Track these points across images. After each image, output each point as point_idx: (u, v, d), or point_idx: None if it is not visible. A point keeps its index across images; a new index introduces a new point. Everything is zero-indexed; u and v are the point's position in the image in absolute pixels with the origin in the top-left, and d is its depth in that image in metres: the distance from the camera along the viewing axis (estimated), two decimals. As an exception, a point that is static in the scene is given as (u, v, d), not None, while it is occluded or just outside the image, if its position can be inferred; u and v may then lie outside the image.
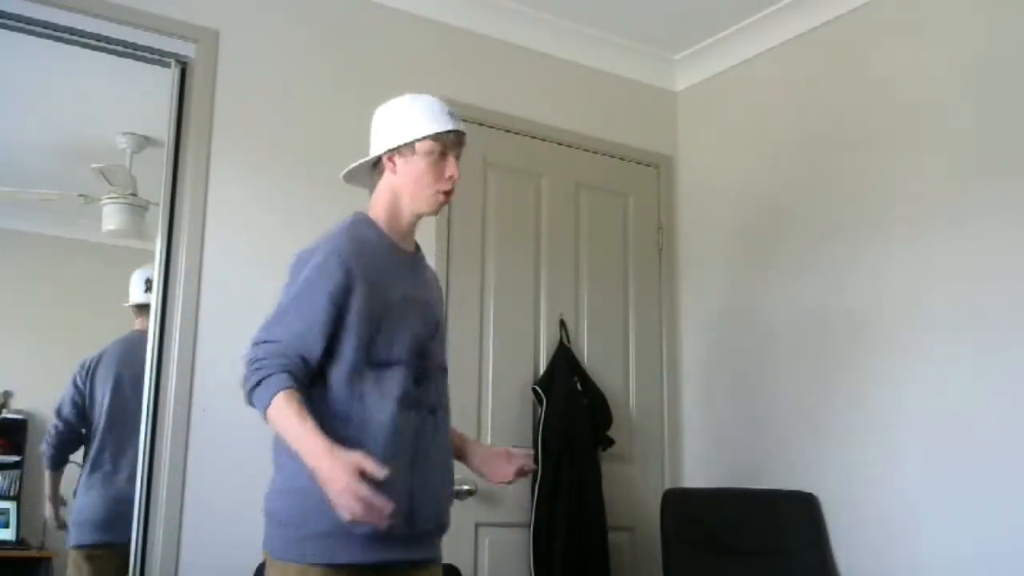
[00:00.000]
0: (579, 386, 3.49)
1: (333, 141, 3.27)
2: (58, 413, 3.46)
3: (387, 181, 2.10)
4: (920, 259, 3.04)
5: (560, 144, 3.77)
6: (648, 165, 3.99)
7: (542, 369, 3.53)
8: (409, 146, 2.05)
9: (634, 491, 3.66)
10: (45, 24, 2.88)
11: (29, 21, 2.86)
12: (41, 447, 3.56)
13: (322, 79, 3.29)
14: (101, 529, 3.20)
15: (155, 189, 3.09)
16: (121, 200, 3.77)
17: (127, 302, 3.56)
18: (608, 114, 3.91)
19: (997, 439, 2.76)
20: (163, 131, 3.07)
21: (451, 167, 2.06)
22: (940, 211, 3.01)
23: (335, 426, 1.89)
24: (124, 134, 3.78)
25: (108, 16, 2.94)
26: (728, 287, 3.73)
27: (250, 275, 3.04)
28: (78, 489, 3.40)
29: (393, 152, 2.07)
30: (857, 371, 3.18)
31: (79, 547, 3.32)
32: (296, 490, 1.91)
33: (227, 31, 3.13)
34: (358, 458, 1.75)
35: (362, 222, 2.08)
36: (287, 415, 1.81)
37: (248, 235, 3.08)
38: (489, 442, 3.37)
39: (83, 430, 3.45)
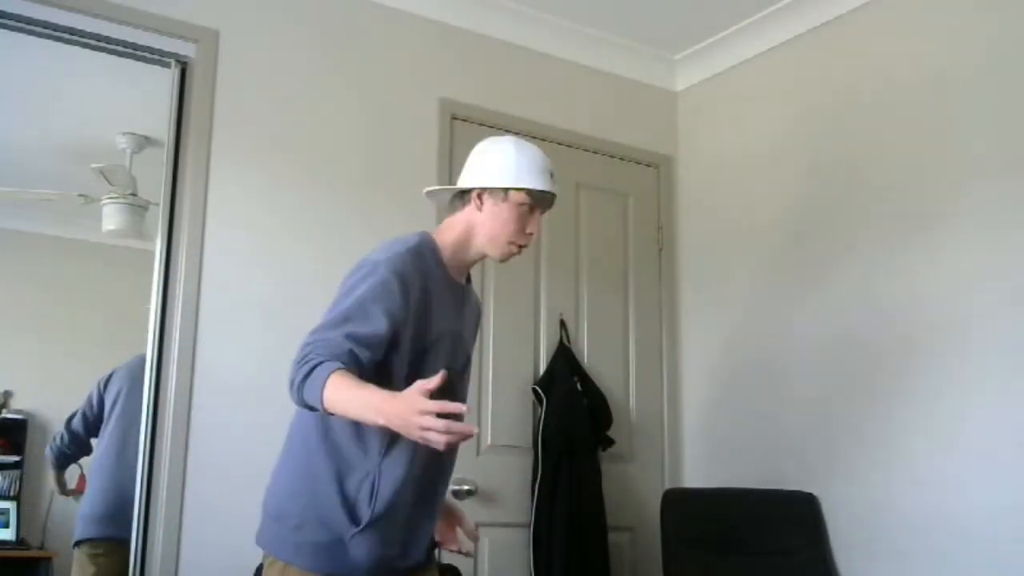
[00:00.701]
0: (579, 386, 3.49)
1: (333, 141, 3.28)
2: (69, 425, 3.49)
3: (468, 215, 2.07)
4: (919, 260, 3.04)
5: (560, 144, 3.76)
6: (648, 165, 3.99)
7: (542, 369, 3.53)
8: (503, 191, 2.04)
9: (634, 491, 3.66)
10: (45, 24, 2.88)
11: (29, 21, 2.86)
12: (46, 451, 3.58)
13: (322, 79, 3.29)
14: (105, 523, 3.19)
15: (155, 189, 3.09)
16: (121, 200, 3.76)
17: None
18: (608, 114, 3.91)
19: (998, 439, 2.76)
20: (163, 131, 3.07)
21: (533, 224, 2.07)
22: (940, 212, 3.01)
23: (350, 437, 1.89)
24: (124, 134, 3.78)
25: (108, 16, 2.94)
26: (728, 287, 3.73)
27: (250, 275, 3.04)
28: (86, 484, 3.42)
29: (485, 191, 2.05)
30: (858, 371, 3.18)
31: (84, 542, 3.30)
32: (300, 491, 1.92)
33: (227, 31, 3.13)
34: (415, 392, 1.64)
35: (425, 246, 2.02)
36: (346, 394, 1.68)
37: (248, 235, 3.08)
38: (489, 442, 3.39)
39: (90, 441, 3.47)
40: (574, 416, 3.41)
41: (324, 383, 1.69)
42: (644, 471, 3.72)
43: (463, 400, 2.10)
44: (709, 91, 3.97)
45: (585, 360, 3.63)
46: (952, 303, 2.93)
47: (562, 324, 3.62)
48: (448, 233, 2.07)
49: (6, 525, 3.93)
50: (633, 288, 3.85)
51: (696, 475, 3.73)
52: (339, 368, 1.72)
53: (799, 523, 3.17)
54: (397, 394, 1.68)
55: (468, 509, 3.23)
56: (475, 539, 2.14)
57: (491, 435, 3.39)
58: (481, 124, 3.56)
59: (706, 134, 3.95)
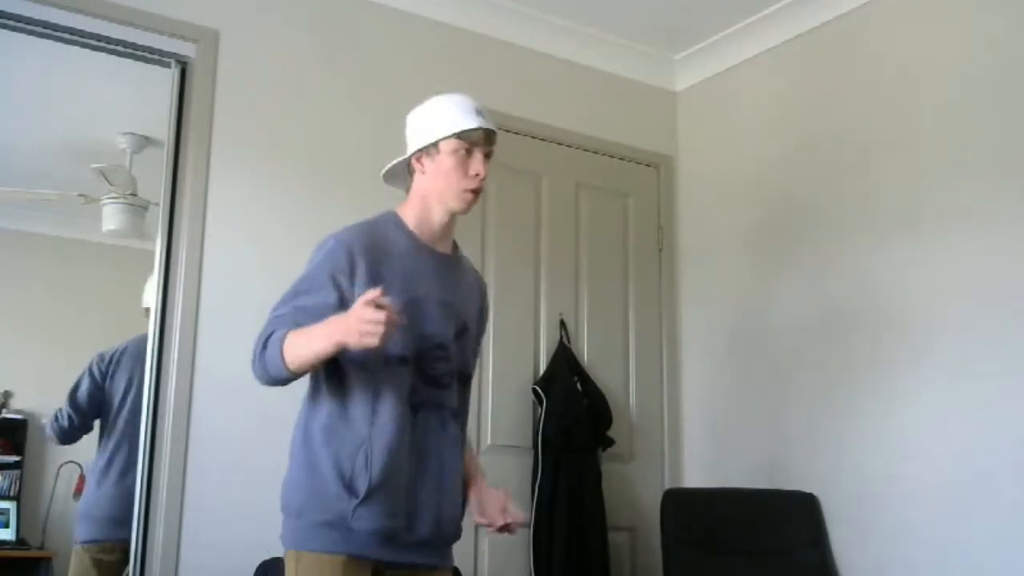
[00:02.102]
0: (579, 386, 3.49)
1: (333, 141, 3.28)
2: (71, 400, 3.43)
3: (417, 182, 2.12)
4: (920, 260, 3.04)
5: (560, 144, 3.76)
6: (648, 165, 3.99)
7: (542, 369, 3.53)
8: (434, 146, 2.05)
9: (634, 491, 3.66)
10: (45, 24, 2.88)
11: (29, 21, 2.86)
12: (48, 428, 3.52)
13: (322, 79, 3.29)
14: (113, 526, 3.17)
15: (155, 189, 3.09)
16: (121, 200, 3.77)
17: (143, 304, 3.56)
18: (608, 114, 3.91)
19: (1001, 440, 2.76)
20: (163, 131, 3.08)
21: (476, 164, 2.04)
22: (941, 212, 3.01)
23: (327, 422, 1.94)
24: (124, 134, 3.78)
25: (108, 16, 2.94)
26: (728, 287, 3.73)
27: (250, 275, 3.04)
28: (89, 484, 3.39)
29: (420, 153, 2.08)
30: (858, 372, 3.18)
31: (88, 543, 3.29)
32: (301, 481, 1.94)
33: (227, 31, 3.13)
34: (358, 306, 1.76)
35: (387, 219, 2.10)
36: (297, 337, 1.84)
37: (248, 235, 3.08)
38: (489, 442, 3.38)
39: (95, 420, 3.44)
40: (574, 416, 3.41)
41: (281, 346, 1.84)
42: (644, 471, 3.72)
43: (462, 368, 2.10)
44: (709, 91, 3.97)
45: (585, 360, 3.63)
46: (951, 301, 2.93)
47: (562, 324, 3.62)
48: (408, 205, 2.12)
49: (6, 525, 3.93)
50: (633, 288, 3.85)
51: (696, 475, 3.73)
52: (291, 330, 1.86)
53: (799, 523, 3.17)
54: (320, 326, 1.81)
55: (469, 509, 3.25)
56: (521, 520, 2.10)
57: (491, 435, 3.39)
58: (481, 124, 3.56)
59: (706, 134, 3.95)
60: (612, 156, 3.90)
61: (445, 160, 2.04)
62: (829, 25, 3.46)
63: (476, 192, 2.06)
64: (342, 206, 3.22)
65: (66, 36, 2.93)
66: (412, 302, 1.99)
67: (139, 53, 3.03)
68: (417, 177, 2.10)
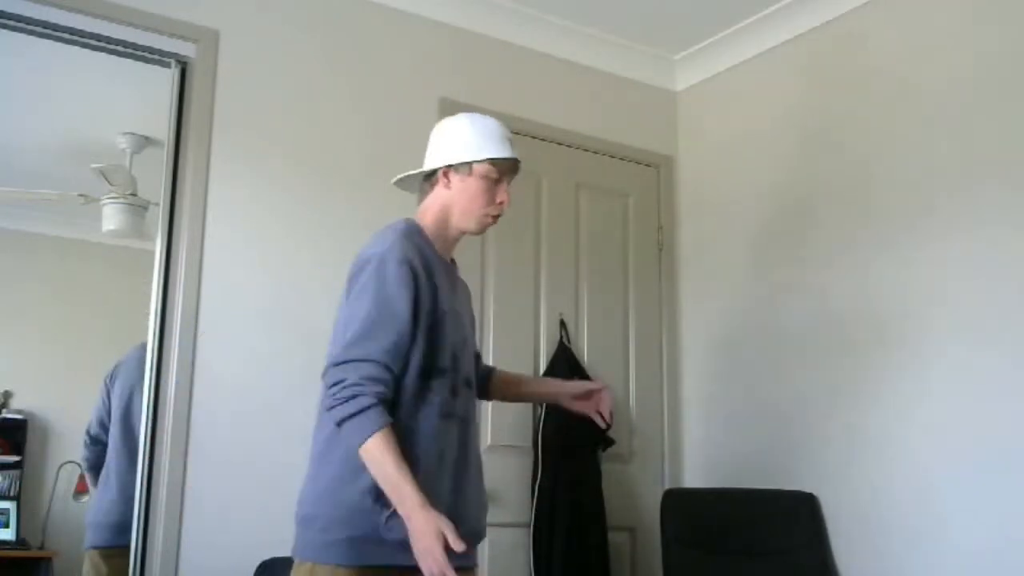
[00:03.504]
0: (579, 386, 3.49)
1: (333, 141, 3.28)
2: (88, 432, 3.47)
3: (439, 195, 2.13)
4: (920, 261, 3.04)
5: (560, 144, 3.76)
6: (648, 165, 3.99)
7: (542, 369, 3.53)
8: (467, 165, 2.08)
9: (634, 491, 3.66)
10: (45, 24, 2.88)
11: (29, 21, 2.86)
12: (80, 459, 3.57)
13: (322, 79, 3.29)
14: (118, 531, 3.15)
15: (155, 189, 3.09)
16: (121, 200, 3.77)
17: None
18: (608, 114, 3.91)
19: (999, 440, 2.76)
20: (163, 131, 3.07)
21: (503, 193, 2.10)
22: (941, 213, 3.01)
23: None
24: (124, 134, 3.78)
25: (108, 16, 2.94)
26: (728, 287, 3.73)
27: (250, 275, 3.04)
28: (95, 491, 3.39)
29: (450, 168, 2.10)
30: (858, 372, 3.18)
31: (97, 548, 3.29)
32: (329, 495, 1.93)
33: (227, 31, 3.13)
34: (445, 525, 1.79)
35: (414, 228, 2.09)
36: (384, 459, 1.82)
37: (248, 235, 3.08)
38: (489, 443, 3.38)
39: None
40: (574, 416, 3.40)
41: (365, 440, 1.83)
42: (644, 471, 3.72)
43: (470, 376, 2.12)
44: (709, 91, 3.97)
45: (585, 360, 3.62)
46: (952, 302, 2.93)
47: (562, 324, 3.62)
48: (426, 216, 2.13)
49: (6, 525, 3.93)
50: (633, 288, 3.85)
51: (696, 475, 3.73)
52: (384, 428, 1.83)
53: (799, 523, 3.17)
54: (425, 504, 1.80)
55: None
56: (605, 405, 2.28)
57: (491, 435, 3.39)
58: (481, 124, 3.56)
59: (706, 134, 3.95)
60: (612, 156, 3.90)
61: (476, 182, 2.08)
62: (829, 25, 3.46)
63: (496, 218, 2.13)
64: (342, 206, 3.24)
65: (66, 36, 2.93)
66: (451, 312, 2.04)
67: (139, 53, 3.03)
68: (440, 189, 2.12)
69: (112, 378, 3.45)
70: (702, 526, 3.15)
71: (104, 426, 3.43)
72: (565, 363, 3.51)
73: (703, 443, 3.74)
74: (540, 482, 3.32)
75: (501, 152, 2.09)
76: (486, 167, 2.08)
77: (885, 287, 3.13)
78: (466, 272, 3.40)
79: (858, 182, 3.28)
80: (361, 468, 1.88)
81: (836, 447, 3.20)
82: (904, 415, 3.01)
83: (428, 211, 2.13)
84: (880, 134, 3.24)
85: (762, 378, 3.51)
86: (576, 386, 2.41)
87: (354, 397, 1.84)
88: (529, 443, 3.42)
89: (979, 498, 2.78)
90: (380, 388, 1.86)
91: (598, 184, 3.85)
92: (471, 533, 2.00)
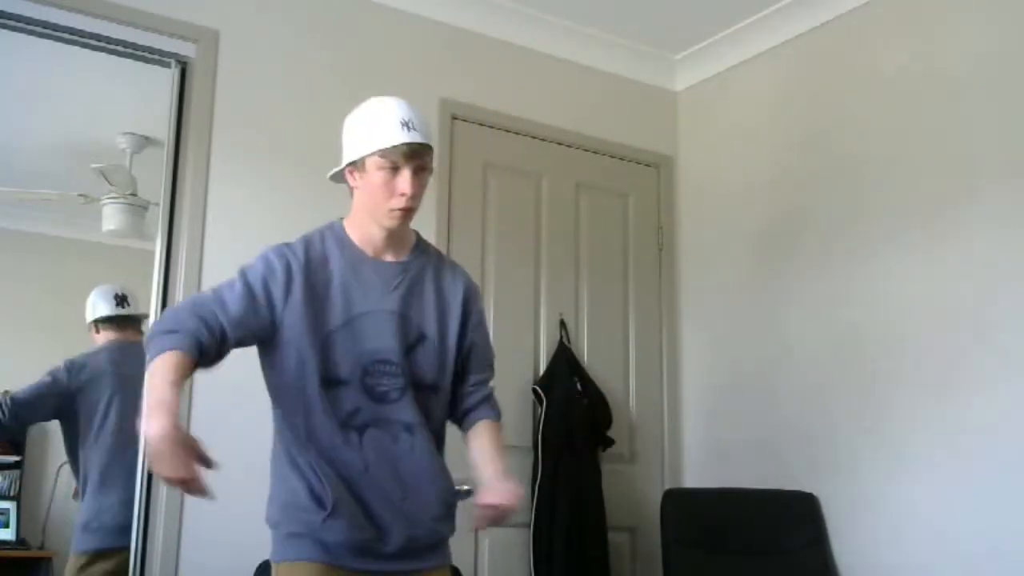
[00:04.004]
0: (579, 386, 3.49)
1: (333, 141, 3.26)
2: (15, 398, 3.36)
3: (354, 195, 2.07)
4: (920, 261, 3.04)
5: (560, 144, 3.77)
6: (648, 165, 3.99)
7: (542, 369, 3.53)
8: (361, 162, 1.98)
9: (634, 491, 3.66)
10: (45, 24, 2.88)
11: (29, 21, 2.86)
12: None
13: (322, 79, 3.29)
14: (118, 533, 3.12)
15: (155, 189, 3.09)
16: (121, 200, 3.77)
17: (91, 317, 3.53)
18: (608, 114, 3.91)
19: (1000, 440, 2.76)
20: (163, 131, 3.08)
21: (403, 183, 1.94)
22: (942, 213, 3.01)
23: (286, 438, 1.97)
24: (124, 134, 3.78)
25: (108, 16, 2.94)
26: (728, 287, 3.73)
27: (250, 275, 3.03)
28: (87, 494, 3.35)
29: (351, 166, 2.02)
30: (859, 372, 3.17)
31: (93, 552, 3.23)
32: (276, 495, 1.98)
33: (227, 31, 3.13)
34: (192, 442, 1.69)
35: (329, 232, 2.06)
36: (152, 377, 1.74)
37: (248, 235, 3.07)
38: (489, 442, 3.37)
39: (30, 424, 3.40)
40: (574, 416, 3.41)
41: (150, 361, 1.76)
42: (644, 471, 3.72)
43: (424, 378, 2.01)
44: (709, 91, 3.97)
45: (585, 360, 3.63)
46: (950, 300, 2.93)
47: (562, 324, 3.63)
48: (350, 218, 2.08)
49: (6, 525, 3.93)
50: (633, 288, 3.85)
51: (696, 475, 3.73)
52: (171, 350, 1.76)
53: (799, 523, 3.17)
54: (164, 406, 1.67)
55: (468, 509, 3.24)
56: (483, 519, 1.96)
57: (491, 435, 3.39)
58: (481, 124, 3.56)
59: (706, 134, 3.95)
60: (612, 156, 3.90)
61: (372, 177, 1.96)
62: (829, 26, 3.46)
63: (405, 210, 1.97)
64: (342, 206, 3.21)
65: (66, 36, 2.93)
66: (350, 321, 1.95)
67: (139, 53, 3.03)
68: (354, 190, 2.05)
69: (84, 375, 3.37)
70: (702, 526, 3.15)
71: (47, 407, 3.39)
72: (565, 363, 3.51)
73: (703, 443, 3.74)
74: (540, 482, 3.32)
75: (390, 140, 1.92)
76: (376, 160, 1.94)
77: (885, 287, 3.13)
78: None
79: (857, 182, 3.28)
80: (295, 465, 1.93)
81: (836, 447, 3.20)
82: (904, 415, 3.01)
83: (352, 212, 2.08)
84: (880, 134, 3.24)
85: (762, 378, 3.51)
86: (492, 490, 1.98)
87: (148, 337, 1.82)
88: (529, 443, 3.42)
89: (979, 498, 2.77)
90: (176, 323, 1.82)
91: (598, 184, 3.85)
92: (400, 541, 1.94)
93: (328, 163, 3.24)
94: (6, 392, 3.38)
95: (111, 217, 3.78)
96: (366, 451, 1.93)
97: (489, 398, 2.16)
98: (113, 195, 3.77)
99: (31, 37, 2.91)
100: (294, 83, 3.24)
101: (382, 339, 1.96)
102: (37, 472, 3.94)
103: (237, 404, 2.93)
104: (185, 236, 2.96)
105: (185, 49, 3.07)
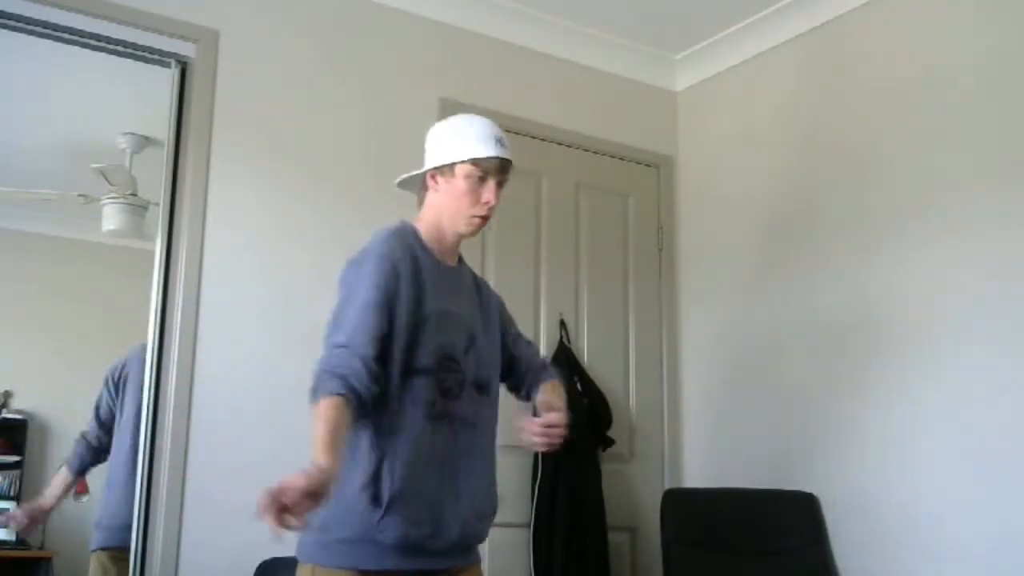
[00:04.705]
0: (579, 386, 3.49)
1: (333, 141, 3.28)
2: (97, 418, 3.34)
3: (430, 198, 2.15)
4: (921, 261, 3.04)
5: (560, 144, 3.76)
6: (648, 165, 3.99)
7: (542, 369, 3.53)
8: (450, 167, 2.08)
9: (634, 491, 3.66)
10: (45, 24, 2.88)
11: (29, 21, 2.86)
12: (72, 450, 3.40)
13: (322, 79, 3.29)
14: (127, 531, 3.12)
15: (155, 189, 3.09)
16: (121, 200, 3.77)
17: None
18: (608, 114, 3.91)
19: (999, 440, 2.76)
20: (163, 131, 3.08)
21: (488, 192, 2.07)
22: (943, 213, 3.01)
23: (361, 434, 1.93)
24: (124, 134, 3.79)
25: (108, 16, 2.94)
26: (728, 287, 3.73)
27: (250, 275, 3.04)
28: (104, 491, 3.35)
29: (436, 171, 2.11)
30: (859, 372, 3.17)
31: (106, 549, 3.23)
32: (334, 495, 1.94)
33: (227, 31, 3.13)
34: (302, 482, 1.61)
35: (408, 231, 2.11)
36: (317, 421, 1.78)
37: (248, 235, 3.08)
38: (489, 442, 3.38)
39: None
40: (574, 416, 3.39)
41: (314, 401, 1.80)
42: (644, 471, 3.72)
43: (479, 379, 2.09)
44: (709, 91, 3.97)
45: (585, 360, 3.63)
46: (950, 300, 2.93)
47: (562, 324, 3.63)
48: (424, 218, 2.15)
49: (6, 525, 3.93)
50: (633, 288, 3.85)
51: (696, 475, 3.73)
52: (331, 395, 1.79)
53: (799, 523, 3.17)
54: (316, 462, 1.68)
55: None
56: (544, 433, 2.08)
57: (491, 435, 3.39)
58: (481, 124, 3.56)
59: (706, 134, 3.95)
60: (612, 156, 3.90)
61: (459, 183, 2.07)
62: (829, 25, 3.46)
63: (484, 218, 2.10)
64: (342, 206, 3.24)
65: (66, 36, 2.93)
66: (442, 313, 2.02)
67: (139, 53, 3.03)
68: (431, 194, 2.14)
69: (120, 379, 3.41)
70: (702, 526, 3.15)
71: (105, 427, 3.40)
72: (565, 363, 3.51)
73: (703, 443, 3.74)
74: (540, 482, 3.32)
75: (484, 151, 2.07)
76: (468, 167, 2.06)
77: (885, 287, 3.13)
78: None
79: (857, 181, 3.28)
80: (356, 466, 1.90)
81: (836, 447, 3.20)
82: (904, 415, 3.01)
83: (423, 215, 2.15)
84: (879, 134, 3.24)
85: (762, 378, 3.51)
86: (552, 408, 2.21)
87: (313, 377, 1.85)
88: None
89: (979, 498, 2.77)
90: (340, 369, 1.84)
91: (598, 184, 3.85)
92: (452, 538, 1.97)
93: (328, 163, 3.27)
94: (83, 433, 3.33)
95: (111, 217, 3.78)
96: (437, 442, 1.98)
97: (546, 365, 2.36)
98: (113, 195, 3.77)
99: (31, 37, 2.91)
100: (294, 83, 3.24)
101: (451, 336, 2.04)
102: (37, 472, 3.94)
103: (239, 405, 2.94)
104: (185, 236, 2.96)
105: (185, 49, 3.07)
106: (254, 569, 2.68)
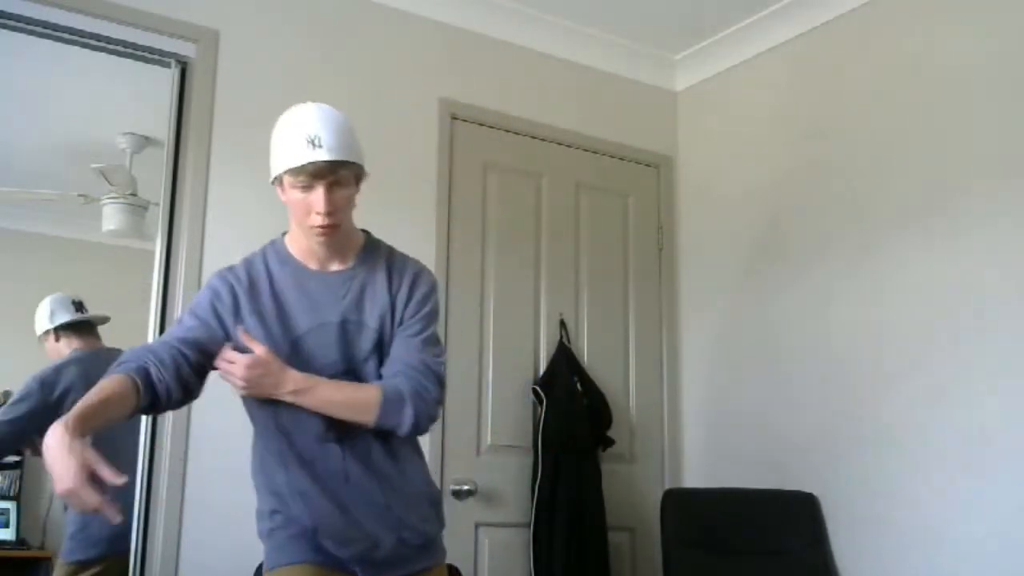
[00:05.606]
0: (579, 386, 3.49)
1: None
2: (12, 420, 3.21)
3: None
4: (922, 262, 3.04)
5: (560, 144, 3.76)
6: (648, 165, 3.99)
7: (542, 369, 3.53)
8: (279, 179, 1.93)
9: (634, 491, 3.66)
10: (45, 24, 2.88)
11: (29, 21, 2.86)
12: None
13: (322, 79, 3.29)
14: (114, 540, 3.07)
15: (155, 189, 3.09)
16: (121, 200, 3.77)
17: (43, 328, 3.42)
18: (608, 114, 3.91)
19: (1000, 440, 2.76)
20: (163, 131, 3.08)
21: (318, 201, 1.86)
22: (944, 213, 3.01)
23: (264, 457, 2.01)
24: (124, 134, 3.79)
25: (108, 16, 2.94)
26: (728, 287, 3.73)
27: (250, 275, 3.03)
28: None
29: (275, 183, 1.97)
30: (859, 371, 3.17)
31: (77, 563, 3.15)
32: (264, 509, 2.03)
33: (227, 31, 3.13)
34: (91, 458, 1.55)
35: (271, 250, 2.04)
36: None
37: (248, 235, 3.06)
38: (489, 442, 3.38)
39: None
40: (574, 416, 3.41)
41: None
42: (644, 471, 3.72)
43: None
44: (709, 91, 3.97)
45: (585, 360, 3.63)
46: (949, 301, 2.93)
47: (562, 324, 3.62)
48: (290, 232, 2.06)
49: (6, 525, 3.94)
50: (633, 288, 3.85)
51: (696, 475, 3.73)
52: (111, 375, 1.76)
53: (799, 523, 3.17)
54: (66, 417, 1.59)
55: (468, 509, 3.25)
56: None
57: (491, 435, 3.39)
58: (481, 124, 3.56)
59: (706, 134, 3.95)
60: (612, 156, 3.90)
61: (290, 195, 1.91)
62: (829, 25, 3.46)
63: (327, 227, 1.89)
64: (342, 206, 3.23)
65: (66, 36, 2.93)
66: (297, 341, 1.93)
67: (139, 53, 3.03)
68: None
69: (65, 384, 3.24)
70: (702, 526, 3.15)
71: (35, 426, 3.20)
72: (565, 363, 3.51)
73: (703, 443, 3.74)
74: (540, 482, 3.32)
75: (295, 160, 1.85)
76: (288, 178, 1.88)
77: (884, 287, 3.13)
78: (466, 272, 3.45)
79: (857, 182, 3.28)
80: (259, 473, 2.00)
81: (836, 447, 3.20)
82: (905, 415, 3.01)
83: (290, 228, 2.04)
84: (879, 134, 3.24)
85: (762, 378, 3.51)
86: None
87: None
88: (529, 443, 3.42)
89: (978, 498, 2.77)
90: (138, 354, 1.82)
91: (598, 184, 3.85)
92: (363, 549, 1.94)
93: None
94: None
95: (111, 217, 3.78)
96: (347, 461, 1.93)
97: (390, 381, 1.95)
98: (113, 195, 3.77)
99: (31, 37, 2.91)
100: (294, 83, 3.23)
101: (329, 354, 1.94)
102: (37, 472, 3.94)
103: (237, 405, 2.93)
104: (185, 236, 2.96)
105: (185, 49, 3.06)
106: (254, 569, 2.68)
